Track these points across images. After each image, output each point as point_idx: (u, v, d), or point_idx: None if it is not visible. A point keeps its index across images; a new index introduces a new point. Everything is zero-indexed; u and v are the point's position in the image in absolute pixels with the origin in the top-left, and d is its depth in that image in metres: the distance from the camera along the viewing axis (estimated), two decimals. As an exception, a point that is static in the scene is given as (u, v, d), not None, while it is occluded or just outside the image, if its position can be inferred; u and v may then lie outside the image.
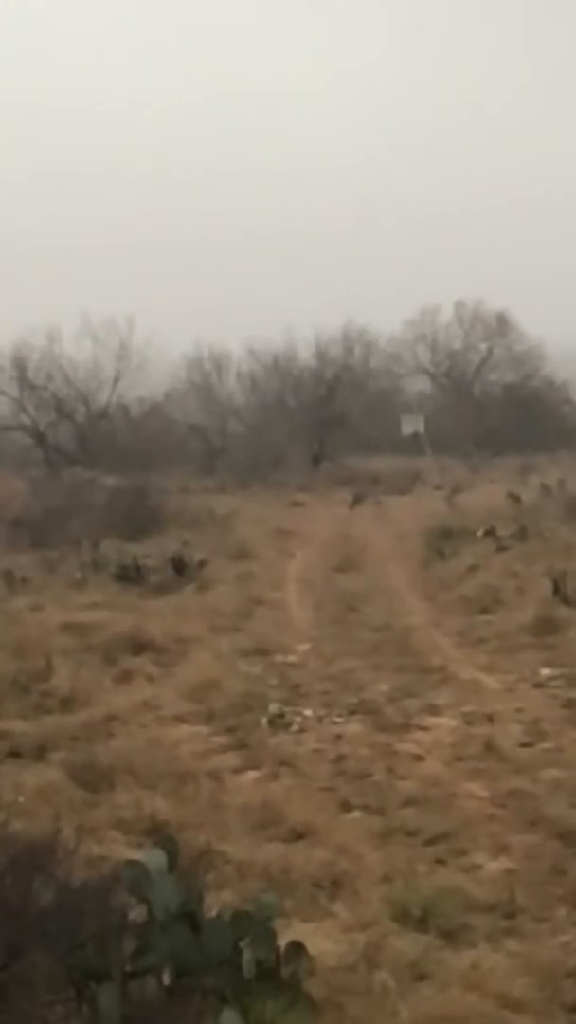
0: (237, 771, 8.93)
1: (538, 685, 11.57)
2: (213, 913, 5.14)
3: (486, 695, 11.13)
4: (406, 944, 5.74)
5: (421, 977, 5.46)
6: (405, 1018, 5.08)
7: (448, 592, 17.34)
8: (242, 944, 4.92)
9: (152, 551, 20.36)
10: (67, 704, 10.73)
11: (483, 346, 54.91)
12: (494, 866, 6.97)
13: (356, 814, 7.95)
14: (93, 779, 8.33)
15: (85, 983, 4.67)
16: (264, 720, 10.34)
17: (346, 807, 8.08)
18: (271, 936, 5.01)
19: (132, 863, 5.26)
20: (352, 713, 10.65)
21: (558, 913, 6.32)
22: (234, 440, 47.08)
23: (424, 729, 10.04)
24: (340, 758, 9.23)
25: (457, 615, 15.65)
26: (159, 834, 6.26)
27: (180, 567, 18.72)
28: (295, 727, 10.20)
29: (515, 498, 27.36)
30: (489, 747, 9.22)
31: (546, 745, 9.40)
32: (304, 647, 13.88)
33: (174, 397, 48.79)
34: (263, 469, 40.00)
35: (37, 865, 4.90)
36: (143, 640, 13.41)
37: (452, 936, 5.96)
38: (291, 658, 13.32)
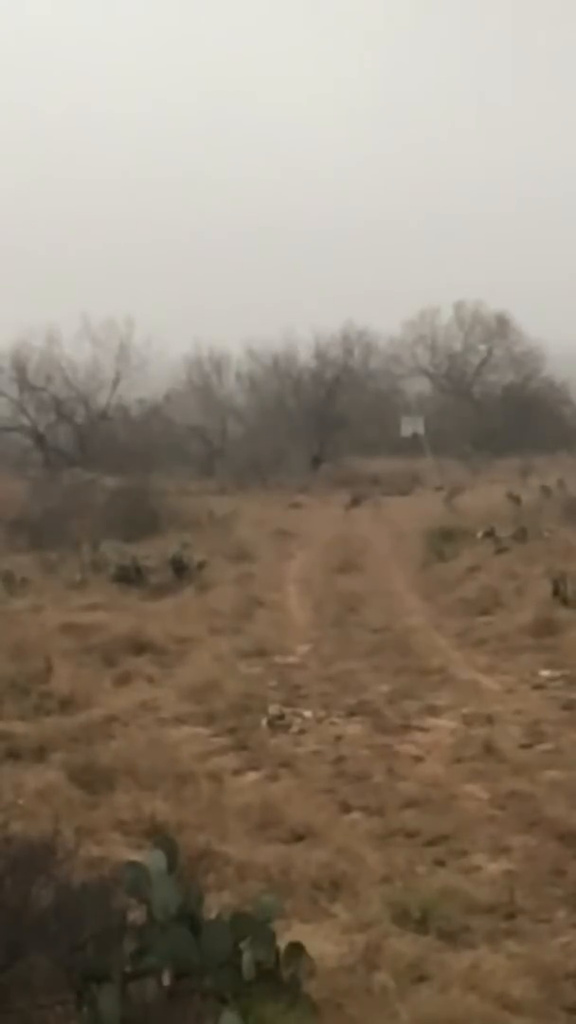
0: (237, 772, 8.93)
1: (538, 686, 11.58)
2: (213, 914, 5.15)
3: (486, 696, 11.13)
4: (406, 945, 5.74)
5: (421, 978, 5.46)
6: (405, 1019, 5.08)
7: (448, 593, 17.35)
8: (242, 945, 4.92)
9: (152, 552, 20.35)
10: (67, 705, 10.73)
11: (483, 347, 54.93)
12: (494, 867, 6.97)
13: (356, 815, 7.95)
14: (93, 780, 8.34)
15: (85, 984, 4.67)
16: (264, 721, 10.34)
17: (346, 808, 8.08)
18: (271, 937, 5.01)
19: (132, 864, 5.27)
20: (352, 714, 10.65)
21: (558, 914, 6.32)
22: (234, 441, 47.07)
23: (424, 730, 10.04)
24: (340, 759, 9.24)
25: (457, 616, 15.65)
26: (159, 835, 6.26)
27: (180, 568, 18.73)
28: (295, 728, 10.20)
29: (515, 499, 27.34)
30: (489, 748, 9.22)
31: (546, 746, 9.41)
32: (304, 648, 13.88)
33: (174, 398, 48.76)
34: (263, 470, 40.00)
35: (37, 866, 4.90)
36: (143, 641, 13.42)
37: (452, 937, 5.96)
38: (291, 659, 13.32)
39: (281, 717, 10.48)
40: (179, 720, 10.37)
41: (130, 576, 18.23)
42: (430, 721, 10.33)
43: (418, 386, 54.69)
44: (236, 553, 21.80)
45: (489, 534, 21.59)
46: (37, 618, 14.88)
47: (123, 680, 11.94)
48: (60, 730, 9.79)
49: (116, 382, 44.94)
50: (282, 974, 4.98)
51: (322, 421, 46.58)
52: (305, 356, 49.46)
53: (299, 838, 7.35)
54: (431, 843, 7.34)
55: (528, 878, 6.75)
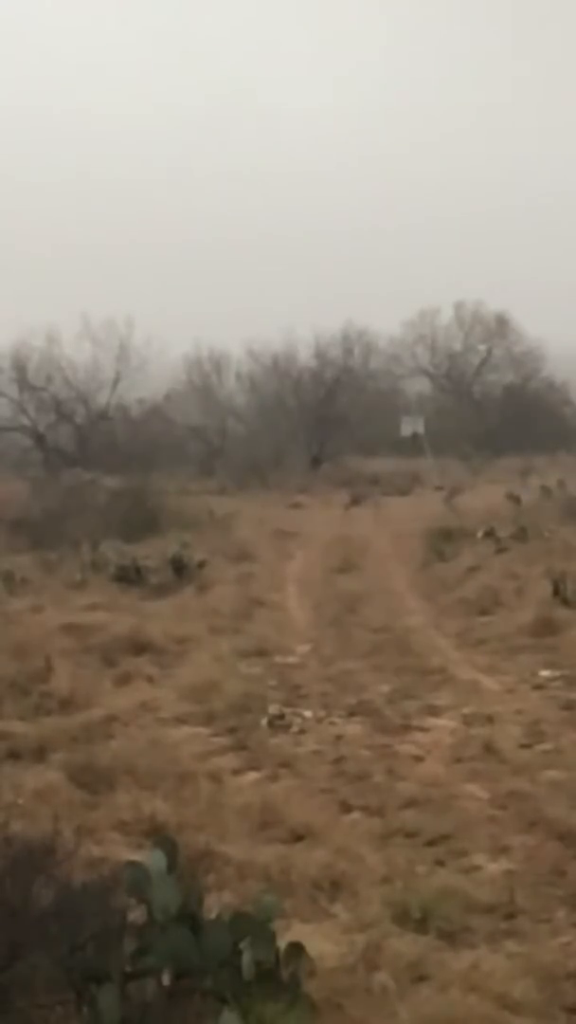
0: (237, 772, 8.93)
1: (538, 686, 11.58)
2: (213, 914, 5.15)
3: (486, 696, 11.13)
4: (406, 945, 5.74)
5: (421, 978, 5.46)
6: (404, 1019, 5.08)
7: (448, 593, 17.34)
8: (242, 945, 4.93)
9: (152, 552, 20.34)
10: (67, 705, 10.73)
11: (482, 347, 54.84)
12: (494, 867, 6.97)
13: (356, 815, 7.95)
14: (93, 780, 8.34)
15: (85, 984, 4.68)
16: (264, 721, 10.34)
17: (346, 808, 8.08)
18: (271, 937, 5.01)
19: (132, 864, 5.27)
20: (352, 714, 10.65)
21: (558, 914, 6.33)
22: (234, 441, 47.01)
23: (424, 730, 10.04)
24: (340, 759, 9.24)
25: (457, 616, 15.65)
26: (159, 835, 6.26)
27: (180, 568, 18.72)
28: (295, 728, 10.20)
29: (515, 499, 27.33)
30: (489, 748, 9.22)
31: (545, 746, 9.41)
32: (304, 648, 13.87)
33: (174, 398, 48.71)
34: (263, 470, 39.95)
35: (37, 866, 4.90)
36: (143, 641, 13.42)
37: (452, 937, 5.96)
38: (291, 659, 13.32)
39: (281, 717, 10.48)
40: (179, 720, 10.37)
41: (130, 576, 18.23)
42: (430, 721, 10.33)
43: (418, 386, 54.62)
44: (236, 553, 21.78)
45: (489, 534, 21.58)
46: (37, 618, 14.88)
47: (123, 680, 11.94)
48: (60, 730, 9.79)
49: (116, 382, 44.89)
50: (282, 974, 4.98)
51: (322, 421, 46.51)
52: (305, 356, 49.39)
53: (299, 838, 7.36)
54: (431, 843, 7.34)
55: (528, 878, 6.75)
